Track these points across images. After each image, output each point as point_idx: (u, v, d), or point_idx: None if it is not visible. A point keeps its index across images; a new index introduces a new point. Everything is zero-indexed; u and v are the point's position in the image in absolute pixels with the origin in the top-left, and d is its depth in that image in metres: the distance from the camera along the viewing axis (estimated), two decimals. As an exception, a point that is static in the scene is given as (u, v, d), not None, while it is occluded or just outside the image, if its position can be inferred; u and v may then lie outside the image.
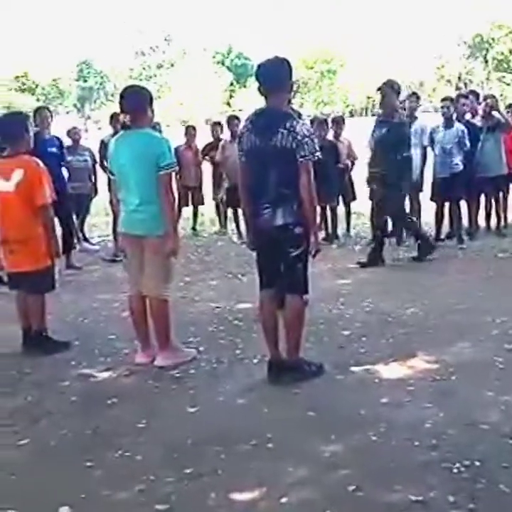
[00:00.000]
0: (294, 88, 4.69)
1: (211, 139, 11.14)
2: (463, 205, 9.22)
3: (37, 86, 63.92)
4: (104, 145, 8.98)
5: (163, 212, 4.87)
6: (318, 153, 4.41)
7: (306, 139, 4.32)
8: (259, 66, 4.54)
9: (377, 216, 8.36)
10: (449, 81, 55.33)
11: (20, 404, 4.48)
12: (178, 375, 4.82)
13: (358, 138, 10.05)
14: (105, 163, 8.83)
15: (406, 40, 53.44)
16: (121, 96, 4.97)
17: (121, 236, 5.27)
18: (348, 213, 10.20)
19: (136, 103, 4.92)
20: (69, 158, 9.03)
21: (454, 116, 8.96)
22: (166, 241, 4.89)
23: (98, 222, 11.24)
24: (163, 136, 5.36)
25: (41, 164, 5.32)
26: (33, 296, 5.41)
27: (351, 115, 51.21)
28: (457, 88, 49.77)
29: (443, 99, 9.34)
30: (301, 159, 4.32)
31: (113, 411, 4.30)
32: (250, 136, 4.47)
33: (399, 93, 8.04)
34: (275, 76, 4.43)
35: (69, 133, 9.90)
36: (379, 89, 8.00)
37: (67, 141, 9.43)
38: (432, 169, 9.14)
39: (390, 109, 7.92)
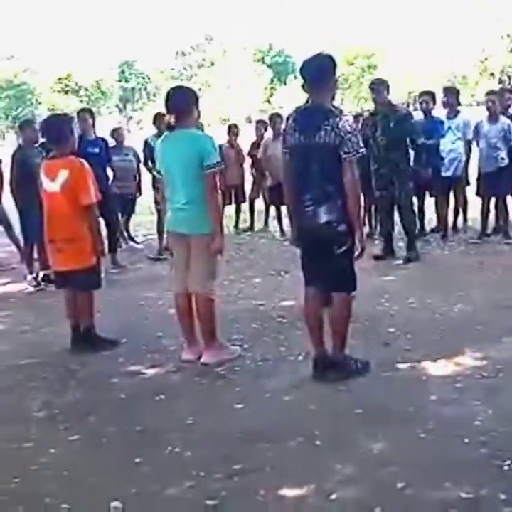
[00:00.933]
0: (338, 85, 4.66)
1: (255, 137, 11.15)
2: (509, 199, 9.10)
3: (80, 88, 64.80)
4: (148, 145, 9.06)
5: (208, 211, 4.90)
6: (362, 150, 4.40)
7: (350, 136, 4.29)
8: (303, 63, 4.53)
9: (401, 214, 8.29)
10: (492, 74, 54.44)
11: (69, 400, 4.56)
12: (223, 372, 4.85)
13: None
14: (149, 162, 8.94)
15: (448, 34, 52.68)
16: (167, 96, 4.99)
17: (167, 234, 5.33)
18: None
19: (182, 103, 4.95)
20: (114, 158, 9.12)
21: (499, 109, 8.84)
22: (213, 239, 4.92)
23: (143, 221, 11.33)
24: (208, 135, 5.38)
25: (86, 164, 5.38)
26: (82, 294, 5.48)
27: (392, 110, 50.67)
28: (500, 82, 48.99)
29: (488, 93, 9.23)
30: (345, 156, 4.29)
31: (161, 407, 4.35)
32: (294, 133, 4.46)
33: (388, 89, 8.13)
34: (319, 72, 4.42)
35: (113, 134, 9.99)
36: (370, 86, 8.29)
37: (111, 142, 9.52)
38: (478, 163, 9.03)
39: (385, 104, 8.05)
